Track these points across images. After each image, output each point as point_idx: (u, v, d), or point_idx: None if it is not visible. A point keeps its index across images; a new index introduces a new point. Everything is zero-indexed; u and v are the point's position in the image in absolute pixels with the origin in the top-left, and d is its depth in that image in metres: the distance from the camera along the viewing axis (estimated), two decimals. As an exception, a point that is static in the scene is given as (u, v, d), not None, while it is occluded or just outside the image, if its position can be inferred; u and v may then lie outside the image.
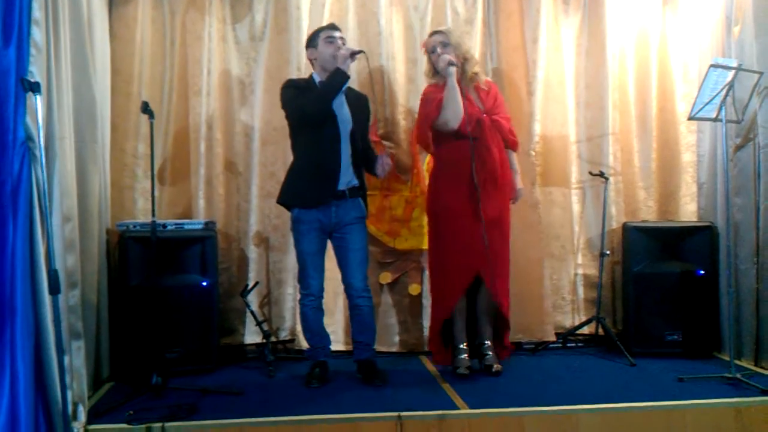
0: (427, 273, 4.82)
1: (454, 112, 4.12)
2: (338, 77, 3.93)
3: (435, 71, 4.31)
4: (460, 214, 4.16)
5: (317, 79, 4.12)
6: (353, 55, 3.98)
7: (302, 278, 4.11)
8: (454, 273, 4.21)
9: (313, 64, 4.20)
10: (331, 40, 4.07)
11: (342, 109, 4.06)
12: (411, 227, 4.83)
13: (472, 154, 4.13)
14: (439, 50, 4.23)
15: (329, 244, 4.18)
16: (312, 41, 4.16)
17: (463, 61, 4.26)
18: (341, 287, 4.40)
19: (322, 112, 3.96)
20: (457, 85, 4.13)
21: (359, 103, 4.22)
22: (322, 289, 4.13)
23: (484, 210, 4.11)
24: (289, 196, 4.13)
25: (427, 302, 4.84)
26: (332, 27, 4.17)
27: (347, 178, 4.06)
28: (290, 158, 4.51)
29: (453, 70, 4.12)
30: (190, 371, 4.19)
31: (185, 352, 4.24)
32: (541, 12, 4.97)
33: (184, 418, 3.42)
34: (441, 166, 4.32)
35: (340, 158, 4.02)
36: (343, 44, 4.09)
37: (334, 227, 4.08)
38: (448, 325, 4.30)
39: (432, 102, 4.20)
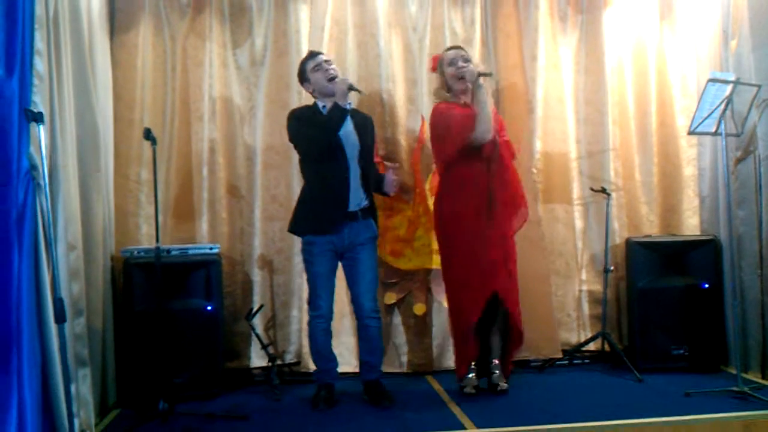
0: (432, 292, 4.85)
1: (486, 129, 4.06)
2: (337, 112, 3.94)
3: (448, 88, 4.26)
4: (475, 233, 4.12)
5: (321, 104, 4.14)
6: (351, 89, 3.97)
7: (312, 300, 4.10)
8: (473, 291, 4.14)
9: (313, 94, 4.22)
10: (318, 67, 4.10)
11: (349, 133, 4.07)
12: (414, 247, 4.83)
13: (489, 172, 4.13)
14: (461, 63, 4.19)
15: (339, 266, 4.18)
16: (302, 76, 4.18)
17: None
18: (347, 308, 4.39)
19: (328, 148, 3.99)
20: (488, 99, 4.05)
21: (365, 125, 4.22)
22: (331, 311, 4.12)
23: (498, 227, 4.12)
24: (301, 224, 4.13)
25: (431, 321, 4.85)
26: (313, 55, 4.19)
27: (358, 199, 4.07)
28: (293, 181, 4.59)
29: (482, 81, 4.05)
30: (197, 396, 4.19)
31: (191, 376, 4.23)
32: (539, 31, 5.00)
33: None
34: (453, 183, 4.22)
35: (348, 182, 4.03)
36: (329, 66, 4.10)
37: (346, 248, 4.08)
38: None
39: (455, 118, 4.12)
